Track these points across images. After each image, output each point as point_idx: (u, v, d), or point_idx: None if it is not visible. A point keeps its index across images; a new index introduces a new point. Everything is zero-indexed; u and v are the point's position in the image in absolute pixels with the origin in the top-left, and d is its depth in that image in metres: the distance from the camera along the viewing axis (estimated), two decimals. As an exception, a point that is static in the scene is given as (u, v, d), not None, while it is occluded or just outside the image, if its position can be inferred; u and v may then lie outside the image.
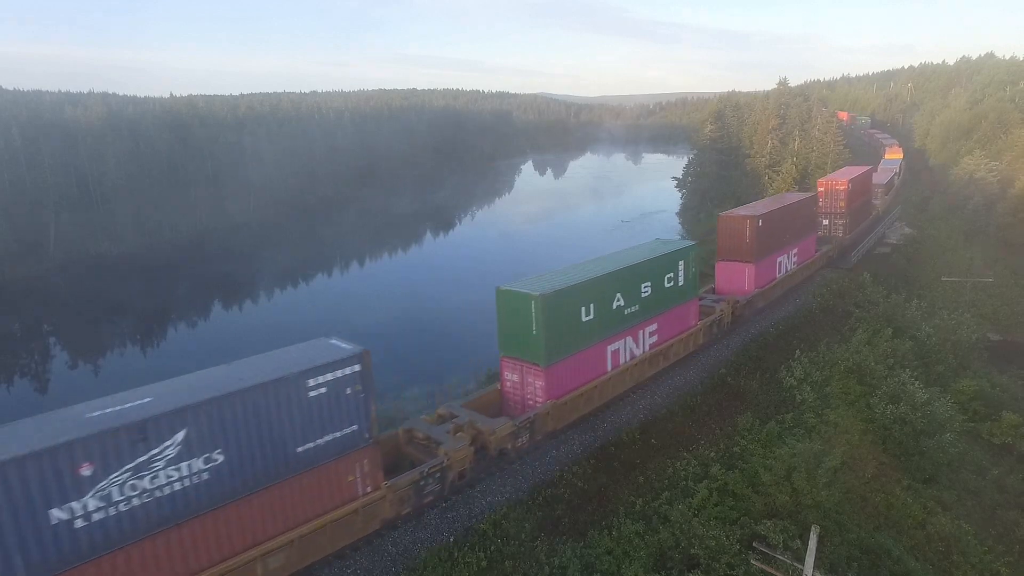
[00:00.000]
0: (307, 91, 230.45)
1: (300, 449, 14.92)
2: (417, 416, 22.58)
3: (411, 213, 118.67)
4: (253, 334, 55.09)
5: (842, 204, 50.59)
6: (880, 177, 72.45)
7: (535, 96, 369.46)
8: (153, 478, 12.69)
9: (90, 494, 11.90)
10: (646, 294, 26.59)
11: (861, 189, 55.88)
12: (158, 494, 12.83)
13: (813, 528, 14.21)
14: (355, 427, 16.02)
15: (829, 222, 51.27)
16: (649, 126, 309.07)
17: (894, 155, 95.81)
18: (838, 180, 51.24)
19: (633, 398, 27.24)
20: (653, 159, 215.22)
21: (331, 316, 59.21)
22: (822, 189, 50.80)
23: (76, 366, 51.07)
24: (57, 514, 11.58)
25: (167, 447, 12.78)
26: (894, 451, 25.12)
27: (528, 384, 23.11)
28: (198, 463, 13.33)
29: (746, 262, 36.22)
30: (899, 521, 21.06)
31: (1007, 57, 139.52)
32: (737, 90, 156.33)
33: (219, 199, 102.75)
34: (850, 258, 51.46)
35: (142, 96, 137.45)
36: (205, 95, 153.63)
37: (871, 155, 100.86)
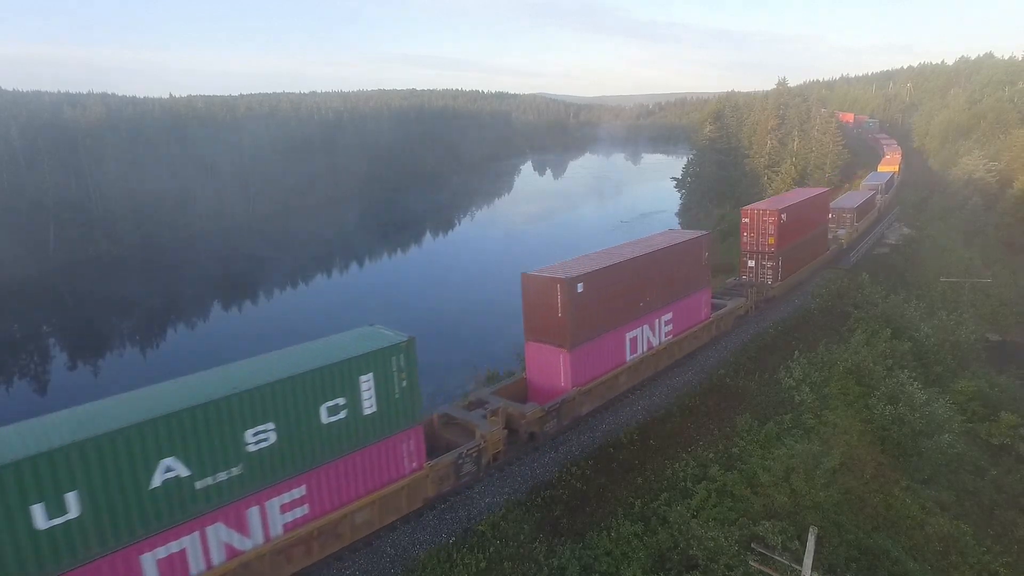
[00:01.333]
0: (306, 91, 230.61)
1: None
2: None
3: (411, 213, 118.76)
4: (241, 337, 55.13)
5: (771, 241, 38.62)
6: (851, 199, 59.01)
7: (534, 96, 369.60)
8: None
9: None
10: (263, 444, 15.04)
11: (808, 219, 43.41)
12: None
13: (811, 529, 14.23)
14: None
15: (755, 264, 39.49)
16: (648, 126, 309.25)
17: (887, 167, 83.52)
18: (767, 209, 39.01)
19: (632, 399, 27.24)
20: (652, 159, 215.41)
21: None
22: (746, 220, 39.42)
23: (75, 367, 51.07)
24: None
25: None
26: (893, 452, 25.16)
27: None
28: None
29: (559, 346, 23.93)
30: (898, 522, 21.08)
31: (1006, 57, 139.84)
32: (736, 90, 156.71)
33: (218, 199, 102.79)
34: (849, 259, 51.48)
35: (141, 96, 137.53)
36: (204, 95, 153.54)
37: (874, 157, 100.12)
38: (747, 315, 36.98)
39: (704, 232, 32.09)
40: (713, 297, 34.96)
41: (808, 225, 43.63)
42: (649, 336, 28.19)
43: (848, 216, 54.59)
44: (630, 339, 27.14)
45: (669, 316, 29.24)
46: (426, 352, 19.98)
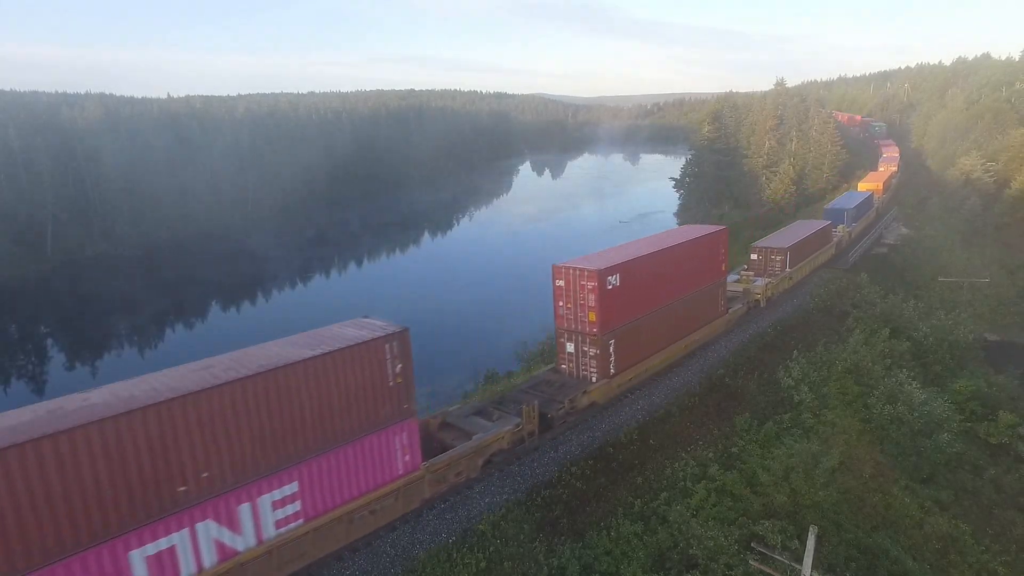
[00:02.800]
0: (304, 92, 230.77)
1: None
2: None
3: (411, 214, 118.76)
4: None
5: (591, 317, 24.70)
6: (788, 235, 43.99)
7: (533, 96, 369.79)
8: None
9: None
10: None
11: (674, 276, 28.66)
12: None
13: (812, 528, 14.27)
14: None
15: (575, 349, 25.64)
16: (647, 126, 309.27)
17: (870, 183, 69.72)
18: (585, 269, 24.65)
19: (632, 398, 27.30)
20: (651, 160, 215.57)
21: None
22: (560, 283, 25.35)
23: (73, 367, 50.98)
24: None
25: None
26: (892, 451, 25.24)
27: None
28: None
29: None
30: (897, 521, 21.14)
31: (1003, 58, 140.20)
32: (735, 90, 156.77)
33: (217, 200, 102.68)
34: (848, 258, 51.52)
35: (139, 97, 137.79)
36: (202, 96, 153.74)
37: (875, 160, 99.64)
38: (524, 444, 22.36)
39: (394, 329, 17.30)
40: (478, 413, 22.90)
41: (674, 286, 28.87)
42: (222, 538, 14.49)
43: (778, 259, 40.25)
44: (148, 559, 13.29)
45: (291, 488, 15.65)
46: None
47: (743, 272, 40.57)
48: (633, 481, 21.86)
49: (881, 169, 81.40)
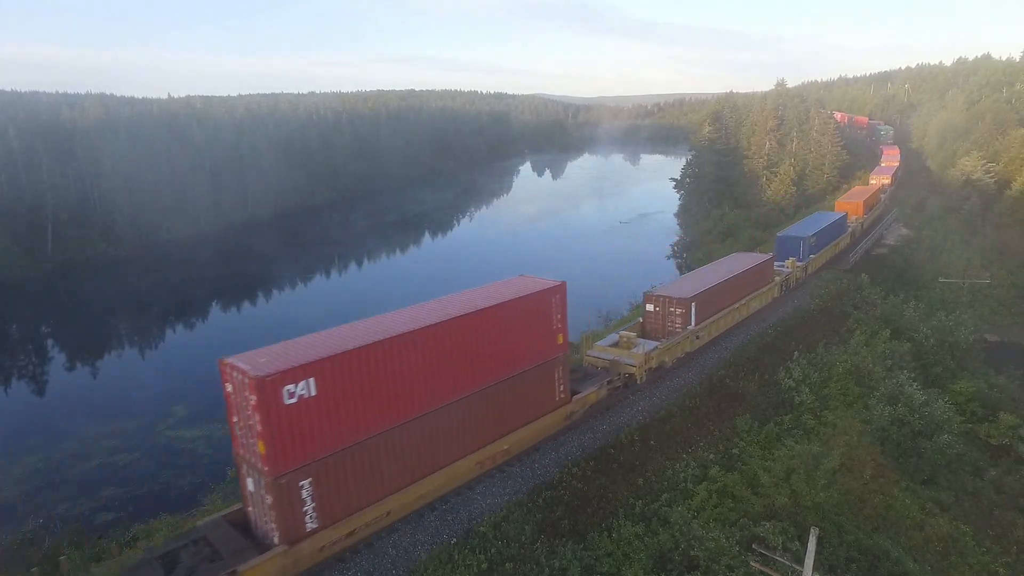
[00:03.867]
0: (304, 92, 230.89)
1: None
2: None
3: (412, 214, 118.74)
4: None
5: (260, 449, 15.16)
6: (700, 279, 33.93)
7: (533, 97, 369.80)
8: None
9: None
10: None
11: (449, 366, 18.89)
12: None
13: (813, 530, 14.27)
14: None
15: (255, 489, 16.16)
16: (647, 127, 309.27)
17: (849, 202, 58.60)
18: (247, 372, 14.73)
19: (632, 399, 27.29)
20: (651, 160, 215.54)
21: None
22: (230, 388, 15.76)
23: (73, 367, 50.98)
24: None
25: None
26: (892, 452, 25.24)
27: None
28: None
29: None
30: (897, 522, 21.14)
31: (1003, 58, 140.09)
32: (735, 91, 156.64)
33: (217, 200, 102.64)
34: (848, 259, 51.52)
35: (139, 97, 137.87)
36: (203, 96, 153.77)
37: (875, 162, 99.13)
38: None
39: None
40: None
41: (457, 378, 19.38)
42: None
43: (678, 312, 30.14)
44: None
45: None
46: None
47: (623, 333, 29.97)
48: (634, 482, 21.86)
49: (872, 182, 72.00)
